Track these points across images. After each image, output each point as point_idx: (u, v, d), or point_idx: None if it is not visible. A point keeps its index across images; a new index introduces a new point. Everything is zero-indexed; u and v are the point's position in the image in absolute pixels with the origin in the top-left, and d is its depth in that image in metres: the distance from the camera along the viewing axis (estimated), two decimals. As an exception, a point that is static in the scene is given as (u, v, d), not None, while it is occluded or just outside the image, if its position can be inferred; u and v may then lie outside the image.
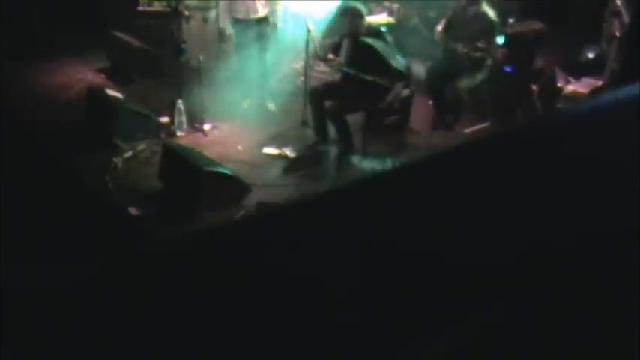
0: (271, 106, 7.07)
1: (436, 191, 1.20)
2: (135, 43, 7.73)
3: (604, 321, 1.25)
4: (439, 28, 6.71)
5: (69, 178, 4.78)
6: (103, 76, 7.82)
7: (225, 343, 0.98)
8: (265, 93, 7.14)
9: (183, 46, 6.63)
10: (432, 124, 6.48)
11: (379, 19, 7.95)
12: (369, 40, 5.99)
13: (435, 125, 6.49)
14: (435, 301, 1.15)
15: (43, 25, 8.03)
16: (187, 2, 7.44)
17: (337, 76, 6.36)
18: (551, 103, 6.15)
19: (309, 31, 6.47)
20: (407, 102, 6.32)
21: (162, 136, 6.38)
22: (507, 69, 6.96)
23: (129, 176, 5.76)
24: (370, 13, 7.61)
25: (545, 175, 1.28)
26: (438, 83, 6.62)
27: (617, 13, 5.92)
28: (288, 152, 6.24)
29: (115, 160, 5.87)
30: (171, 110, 6.56)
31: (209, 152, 5.93)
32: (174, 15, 6.69)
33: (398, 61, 5.96)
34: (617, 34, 5.62)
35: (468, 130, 6.48)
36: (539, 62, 7.19)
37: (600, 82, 5.78)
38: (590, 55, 6.76)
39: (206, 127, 6.57)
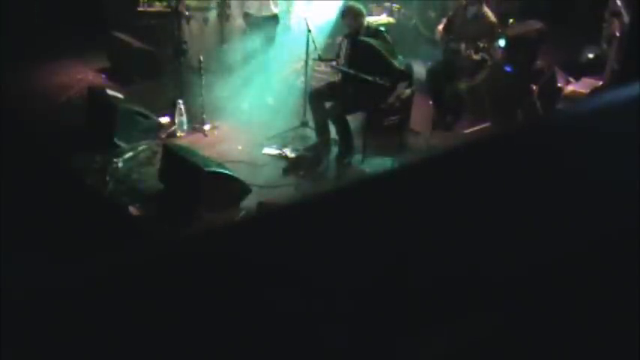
0: (270, 100, 7.09)
1: (436, 191, 1.20)
2: (135, 43, 7.73)
3: (604, 321, 1.25)
4: (439, 28, 6.72)
5: (69, 178, 4.79)
6: (103, 76, 7.82)
7: (225, 344, 0.98)
8: (266, 92, 7.15)
9: (183, 46, 6.63)
10: (432, 124, 6.48)
11: (379, 19, 7.96)
12: (369, 40, 5.98)
13: (435, 125, 6.49)
14: (434, 302, 1.15)
15: (43, 25, 8.02)
16: (187, 2, 7.44)
17: (337, 77, 6.36)
18: (551, 103, 6.16)
19: (309, 31, 6.47)
20: (407, 102, 6.31)
21: (163, 136, 6.38)
22: (507, 69, 6.97)
23: (129, 176, 5.77)
24: (370, 13, 7.62)
25: (545, 175, 1.28)
26: (438, 83, 6.63)
27: (617, 13, 5.92)
28: (288, 152, 6.24)
29: (115, 160, 5.87)
30: (171, 110, 6.56)
31: (209, 152, 5.93)
32: (175, 15, 6.69)
33: (399, 61, 5.96)
34: (618, 34, 5.62)
35: (467, 131, 6.48)
36: (539, 62, 7.19)
37: (600, 83, 5.78)
38: (591, 56, 6.77)
39: (206, 127, 6.57)
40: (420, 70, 7.04)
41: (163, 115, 6.62)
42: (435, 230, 1.18)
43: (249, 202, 5.28)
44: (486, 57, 6.36)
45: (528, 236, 1.25)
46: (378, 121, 6.27)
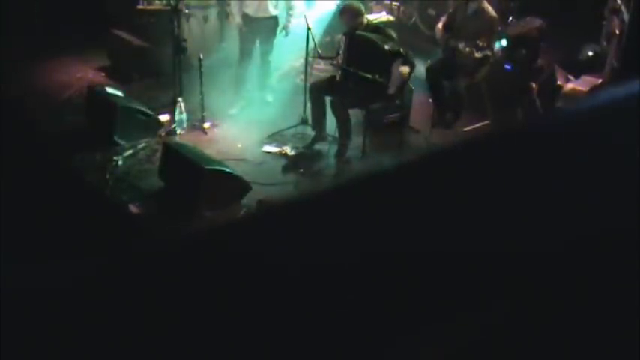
0: (269, 98, 7.10)
1: (436, 189, 1.20)
2: (135, 41, 7.72)
3: (604, 321, 1.26)
4: (438, 26, 6.72)
5: (69, 176, 4.79)
6: (103, 74, 7.81)
7: (225, 343, 0.99)
8: (265, 91, 7.15)
9: (183, 44, 6.62)
10: (431, 122, 6.49)
11: (379, 17, 7.95)
12: (365, 34, 6.02)
13: (435, 123, 6.49)
14: (434, 301, 1.15)
15: (43, 24, 8.01)
16: (187, 1, 7.43)
17: (338, 74, 6.36)
18: (550, 101, 6.16)
19: (308, 29, 6.47)
20: (406, 87, 6.27)
21: (163, 134, 6.38)
22: (507, 67, 6.97)
23: (129, 174, 5.77)
24: (370, 11, 7.62)
25: (544, 173, 1.29)
26: (438, 81, 6.63)
27: (616, 11, 5.91)
28: (288, 150, 6.24)
29: (115, 158, 5.87)
30: (171, 108, 6.56)
31: (209, 150, 5.94)
32: (175, 13, 6.68)
33: (393, 44, 5.95)
34: (617, 31, 5.62)
35: (467, 129, 6.48)
36: (539, 60, 7.19)
37: (600, 80, 5.78)
38: (590, 53, 6.76)
39: (206, 125, 6.57)
40: (419, 68, 7.04)
41: (163, 113, 6.62)
42: (434, 229, 1.18)
43: (250, 200, 5.29)
44: (487, 54, 6.35)
45: (527, 235, 1.26)
46: (377, 118, 6.28)
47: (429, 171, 1.23)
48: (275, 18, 6.80)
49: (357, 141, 6.16)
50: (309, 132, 6.48)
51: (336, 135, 6.21)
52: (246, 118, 6.80)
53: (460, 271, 1.17)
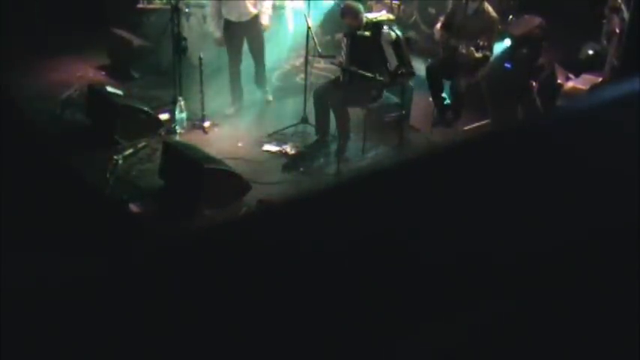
0: (270, 97, 7.10)
1: (436, 188, 1.20)
2: (135, 40, 7.72)
3: (604, 321, 1.26)
4: (437, 27, 6.72)
5: (69, 175, 4.79)
6: (103, 73, 7.81)
7: (227, 342, 0.99)
8: (265, 91, 7.15)
9: (183, 43, 6.62)
10: (431, 121, 6.49)
11: (379, 16, 7.95)
12: (364, 32, 6.04)
13: (435, 122, 6.49)
14: (434, 300, 1.15)
15: (43, 23, 8.01)
16: (187, 0, 7.43)
17: (340, 76, 6.37)
18: (551, 99, 6.15)
19: (308, 27, 6.47)
20: (408, 97, 6.28)
21: (163, 133, 6.38)
22: (507, 66, 6.96)
23: (129, 173, 5.77)
24: (370, 10, 7.62)
25: (545, 172, 1.29)
26: (438, 80, 6.62)
27: (616, 10, 5.91)
28: (288, 149, 6.24)
29: (115, 157, 5.86)
30: (171, 107, 6.56)
31: (209, 149, 5.93)
32: (175, 12, 6.68)
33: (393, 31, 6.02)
34: (617, 30, 5.62)
35: (467, 127, 6.48)
36: (539, 59, 7.18)
37: (600, 79, 5.78)
38: (590, 52, 6.75)
39: (206, 124, 6.57)
40: (419, 67, 7.04)
41: (163, 112, 6.62)
42: (434, 227, 1.18)
43: (250, 199, 5.29)
44: (488, 54, 6.35)
45: (528, 234, 1.26)
46: (378, 117, 6.28)
47: (429, 170, 1.23)
48: (257, 16, 6.73)
49: (357, 139, 6.16)
50: (310, 131, 6.48)
51: (336, 134, 6.21)
52: (247, 117, 6.80)
53: (460, 270, 1.17)
